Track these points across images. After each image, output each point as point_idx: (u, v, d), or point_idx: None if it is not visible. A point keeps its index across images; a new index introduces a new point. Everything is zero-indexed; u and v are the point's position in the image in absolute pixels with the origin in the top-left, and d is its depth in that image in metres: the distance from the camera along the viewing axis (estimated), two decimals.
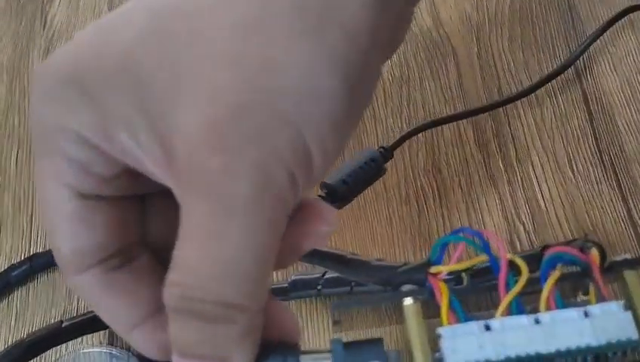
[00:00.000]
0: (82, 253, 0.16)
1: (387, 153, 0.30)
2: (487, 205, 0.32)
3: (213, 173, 0.14)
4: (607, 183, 0.32)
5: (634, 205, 0.31)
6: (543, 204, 0.32)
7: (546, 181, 0.32)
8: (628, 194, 0.31)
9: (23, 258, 0.32)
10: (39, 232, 0.33)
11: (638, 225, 0.31)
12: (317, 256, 0.26)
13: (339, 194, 0.28)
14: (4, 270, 0.31)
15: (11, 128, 0.36)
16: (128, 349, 0.30)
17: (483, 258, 0.21)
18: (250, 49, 0.15)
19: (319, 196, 0.29)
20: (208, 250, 0.15)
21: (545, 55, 0.35)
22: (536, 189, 0.32)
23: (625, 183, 0.32)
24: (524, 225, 0.31)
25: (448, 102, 0.34)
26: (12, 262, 0.32)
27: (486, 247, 0.21)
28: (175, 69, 0.15)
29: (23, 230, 0.33)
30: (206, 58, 0.15)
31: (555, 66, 0.34)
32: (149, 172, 0.16)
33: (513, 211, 0.32)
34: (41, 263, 0.31)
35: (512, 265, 0.21)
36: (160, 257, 0.18)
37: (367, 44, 0.15)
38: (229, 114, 0.14)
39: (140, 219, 0.18)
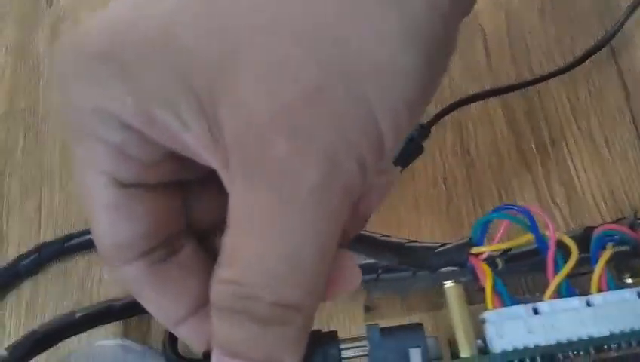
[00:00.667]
0: (123, 245, 0.15)
1: (424, 131, 0.29)
2: (519, 188, 0.30)
3: (278, 158, 0.13)
4: None
5: None
6: (579, 187, 0.30)
7: (582, 162, 0.30)
8: None
9: (32, 247, 0.30)
10: (48, 220, 0.31)
11: None
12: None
13: None
14: (13, 260, 0.30)
15: (17, 112, 0.34)
16: (144, 342, 0.29)
17: (528, 237, 0.20)
18: (322, 22, 0.13)
19: None
20: (267, 243, 0.13)
21: (578, 30, 0.33)
22: (572, 171, 0.30)
23: None
24: (559, 208, 0.29)
25: (476, 81, 0.33)
26: (20, 251, 0.30)
27: (533, 225, 0.20)
28: (227, 42, 0.13)
29: (31, 218, 0.32)
30: (270, 30, 0.13)
31: (588, 42, 0.33)
32: (193, 155, 0.14)
33: (547, 194, 0.30)
34: (51, 252, 0.30)
35: (559, 245, 0.20)
36: (205, 247, 0.17)
37: (449, 7, 0.13)
38: (301, 94, 0.13)
39: (183, 207, 0.16)
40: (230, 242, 0.14)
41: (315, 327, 0.16)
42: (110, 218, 0.15)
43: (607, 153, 0.30)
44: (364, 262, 0.25)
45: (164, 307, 0.16)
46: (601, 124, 0.31)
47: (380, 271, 0.26)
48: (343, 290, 0.16)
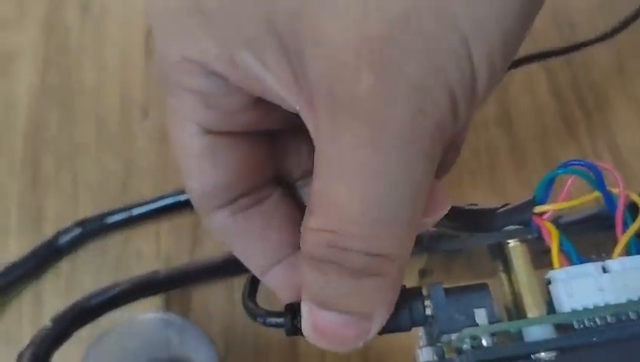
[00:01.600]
0: (212, 192, 0.16)
1: None
2: (565, 157, 0.30)
3: (365, 95, 0.12)
4: None
5: None
6: (625, 154, 0.29)
7: (630, 128, 0.30)
8: None
9: (68, 223, 0.30)
10: (85, 195, 0.31)
11: None
12: None
13: None
14: (52, 236, 0.30)
15: (49, 88, 0.34)
16: (185, 315, 0.28)
17: (596, 194, 0.19)
18: None
19: None
20: (358, 189, 0.13)
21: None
22: (618, 138, 0.30)
23: None
24: None
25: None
26: (58, 227, 0.30)
27: (600, 181, 0.19)
28: None
29: (68, 193, 0.31)
30: None
31: (629, 4, 0.32)
32: (278, 98, 0.14)
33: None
34: (92, 229, 0.30)
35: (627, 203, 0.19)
36: (292, 198, 0.17)
37: None
38: (387, 23, 0.12)
39: (270, 156, 0.17)
40: (319, 189, 0.13)
41: None
42: (200, 166, 0.15)
43: None
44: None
45: (250, 255, 0.16)
46: None
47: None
48: (431, 218, 0.15)
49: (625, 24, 0.31)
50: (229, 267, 0.28)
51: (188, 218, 0.30)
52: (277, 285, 0.17)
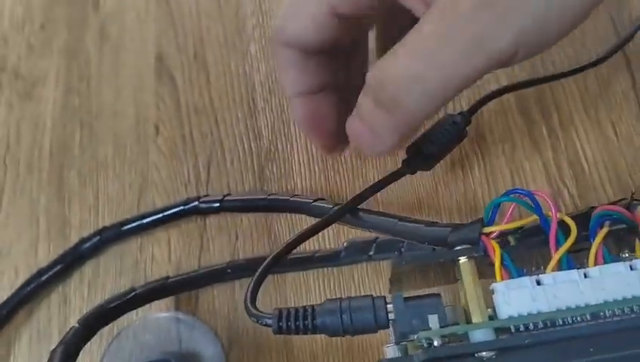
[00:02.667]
0: (300, 33, 0.24)
1: (466, 117, 0.31)
2: (530, 170, 0.33)
3: None
4: None
5: None
6: (586, 168, 0.32)
7: (590, 145, 0.33)
8: None
9: (91, 231, 0.34)
10: (106, 206, 0.35)
11: None
12: (369, 220, 0.27)
13: (427, 156, 0.29)
14: (76, 243, 0.34)
15: (72, 110, 0.38)
16: (193, 314, 0.32)
17: (534, 217, 0.23)
18: None
19: (408, 158, 0.29)
20: (416, 53, 0.21)
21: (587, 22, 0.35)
22: (580, 153, 0.33)
23: None
24: (567, 188, 0.32)
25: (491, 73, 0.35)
26: (82, 235, 0.34)
27: (537, 207, 0.22)
28: None
29: (90, 205, 0.35)
30: None
31: (598, 33, 0.35)
32: None
33: (557, 175, 0.32)
34: (110, 236, 0.33)
35: (561, 224, 0.22)
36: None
37: None
38: None
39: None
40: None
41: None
42: (308, 19, 0.24)
43: (613, 136, 0.33)
44: (382, 239, 0.28)
45: (290, 78, 0.26)
46: (607, 109, 0.33)
47: (402, 248, 0.29)
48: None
49: (593, 63, 0.34)
50: (232, 272, 0.32)
51: (195, 225, 0.34)
52: (296, 108, 0.26)
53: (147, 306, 0.32)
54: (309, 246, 0.32)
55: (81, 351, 0.31)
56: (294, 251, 0.32)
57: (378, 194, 0.33)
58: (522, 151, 0.33)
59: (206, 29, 0.38)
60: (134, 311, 0.31)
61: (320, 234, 0.32)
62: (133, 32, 0.39)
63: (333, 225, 0.30)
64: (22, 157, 0.37)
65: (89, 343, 0.31)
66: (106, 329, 0.31)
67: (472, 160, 0.33)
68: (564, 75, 0.34)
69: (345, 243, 0.31)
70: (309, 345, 0.31)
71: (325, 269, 0.32)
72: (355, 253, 0.31)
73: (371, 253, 0.30)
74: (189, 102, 0.37)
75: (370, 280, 0.32)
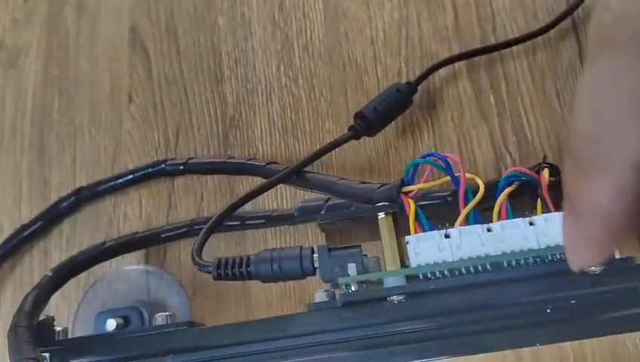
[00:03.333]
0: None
1: (412, 86, 0.33)
2: (477, 137, 0.35)
3: None
4: None
5: None
6: (529, 135, 0.34)
7: (534, 113, 0.34)
8: None
9: (69, 191, 0.37)
10: (82, 168, 0.38)
11: None
12: (312, 181, 0.29)
13: (371, 122, 0.31)
14: (55, 202, 0.37)
15: (51, 79, 0.40)
16: (161, 266, 0.35)
17: (447, 178, 0.25)
18: None
19: (353, 125, 0.31)
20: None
21: None
22: (524, 121, 0.34)
23: None
24: (510, 154, 0.34)
25: (444, 42, 0.37)
26: (60, 195, 0.37)
27: (449, 168, 0.24)
28: None
29: (68, 167, 0.38)
30: None
31: (549, 3, 0.36)
32: None
33: (501, 142, 0.34)
34: (86, 195, 0.36)
35: (474, 185, 0.25)
36: None
37: None
38: None
39: None
40: None
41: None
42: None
43: (557, 105, 0.35)
44: (332, 202, 0.31)
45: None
46: (553, 78, 0.35)
47: (351, 208, 0.31)
48: None
49: (544, 29, 0.35)
50: (197, 228, 0.35)
51: (164, 185, 0.37)
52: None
53: (120, 259, 0.35)
54: (268, 205, 0.35)
55: (61, 300, 0.34)
56: (255, 211, 0.35)
57: (333, 158, 0.35)
58: (470, 119, 0.35)
59: (177, 2, 0.41)
60: (108, 264, 0.34)
61: (278, 194, 0.35)
62: (109, 4, 0.41)
63: (289, 187, 0.33)
64: (6, 123, 0.40)
65: (67, 292, 0.35)
66: (82, 280, 0.34)
67: (422, 126, 0.35)
68: (514, 42, 0.35)
69: (299, 204, 0.34)
70: (264, 293, 0.34)
71: (282, 227, 0.35)
72: (308, 213, 0.33)
73: (322, 212, 0.33)
74: (160, 72, 0.39)
75: (322, 237, 0.34)
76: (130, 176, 0.36)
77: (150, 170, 0.35)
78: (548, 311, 0.22)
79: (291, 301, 0.33)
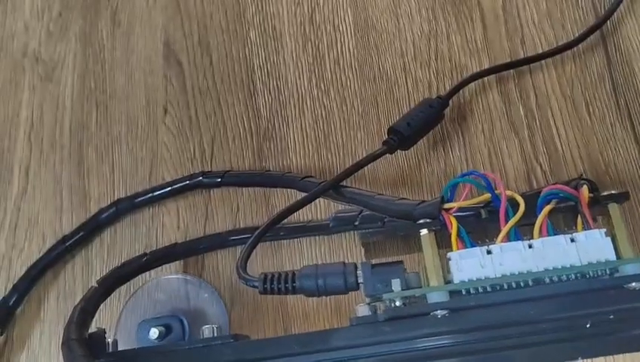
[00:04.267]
0: None
1: (444, 101, 0.34)
2: (507, 149, 0.35)
3: None
4: (622, 125, 0.34)
5: None
6: (559, 146, 0.35)
7: (564, 124, 0.35)
8: None
9: (108, 202, 0.38)
10: (121, 179, 0.39)
11: None
12: (349, 195, 0.30)
13: (405, 137, 0.32)
14: (95, 213, 0.38)
15: (89, 91, 0.41)
16: (200, 276, 0.36)
17: (487, 196, 0.25)
18: None
19: (387, 139, 0.32)
20: None
21: (568, 3, 0.37)
22: (554, 132, 0.35)
23: (639, 125, 0.34)
24: (541, 165, 0.35)
25: (473, 55, 0.37)
26: (100, 206, 0.38)
27: (489, 186, 0.25)
28: None
29: (107, 178, 0.39)
30: None
31: (578, 15, 0.37)
32: None
33: (532, 153, 0.35)
34: (125, 207, 0.37)
35: (513, 202, 0.25)
36: None
37: None
38: None
39: None
40: None
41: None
42: None
43: (586, 116, 0.35)
44: (366, 213, 0.32)
45: None
46: (582, 89, 0.36)
47: (385, 219, 0.32)
48: None
49: (572, 43, 0.36)
50: (234, 239, 0.36)
51: (200, 197, 0.38)
52: None
53: (159, 269, 0.36)
54: (304, 216, 0.36)
55: (103, 308, 0.35)
56: (290, 221, 0.35)
57: (365, 171, 0.36)
58: (500, 132, 0.36)
59: (209, 15, 0.41)
60: (147, 273, 0.35)
61: (313, 206, 0.36)
62: (143, 19, 0.42)
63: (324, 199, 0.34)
64: (45, 136, 0.41)
65: (109, 300, 0.36)
66: (123, 289, 0.35)
67: (453, 139, 0.36)
68: (542, 56, 0.36)
69: (333, 215, 0.35)
70: (301, 304, 0.35)
71: (317, 237, 0.35)
72: (343, 223, 0.34)
73: (357, 223, 0.34)
74: (194, 84, 0.40)
75: (357, 246, 0.35)
76: (169, 189, 0.37)
77: (188, 182, 0.36)
78: (587, 326, 0.23)
79: (327, 311, 0.34)
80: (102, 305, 0.35)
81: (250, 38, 0.41)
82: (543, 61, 0.36)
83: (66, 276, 0.37)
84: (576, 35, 0.36)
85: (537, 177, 0.34)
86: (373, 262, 0.25)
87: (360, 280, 0.25)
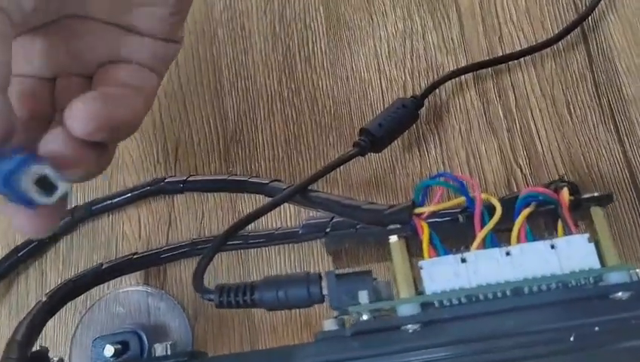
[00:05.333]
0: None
1: (418, 101, 0.32)
2: (485, 151, 0.34)
3: None
4: (605, 126, 0.33)
5: (630, 146, 0.32)
6: (540, 148, 0.33)
7: (544, 125, 0.33)
8: (624, 135, 0.33)
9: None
10: (78, 185, 0.36)
11: (633, 165, 0.32)
12: (316, 201, 0.28)
13: (377, 138, 0.30)
14: None
15: None
16: (162, 287, 0.34)
17: (461, 199, 0.24)
18: None
19: (358, 141, 0.31)
20: None
21: (547, 0, 0.36)
22: (534, 133, 0.34)
23: (622, 125, 0.33)
24: (521, 168, 0.33)
25: (450, 53, 0.36)
26: None
27: (463, 189, 0.23)
28: None
29: None
30: None
31: (557, 13, 0.35)
32: None
33: (511, 156, 0.33)
34: (82, 214, 0.35)
35: (490, 206, 0.23)
36: None
37: None
38: None
39: None
40: None
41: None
42: None
43: (567, 116, 0.34)
44: (338, 219, 0.30)
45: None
46: (563, 88, 0.34)
47: (358, 226, 0.30)
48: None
49: (552, 40, 0.34)
50: (197, 248, 0.34)
51: (163, 203, 0.35)
52: None
53: (119, 280, 0.33)
54: (272, 223, 0.34)
55: (57, 323, 0.33)
56: (257, 228, 0.33)
57: (338, 175, 0.34)
58: (478, 133, 0.34)
59: None
60: (105, 285, 0.33)
61: (282, 212, 0.34)
62: None
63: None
64: None
65: (64, 314, 0.33)
66: (79, 302, 0.33)
67: (429, 141, 0.34)
68: (521, 54, 0.35)
69: (304, 222, 0.33)
70: (269, 317, 0.32)
71: (287, 245, 0.33)
72: (313, 230, 0.32)
73: (328, 230, 0.32)
74: None
75: (328, 255, 0.33)
76: (129, 195, 0.34)
77: (149, 188, 0.34)
78: (571, 339, 0.21)
79: (297, 325, 0.32)
80: (56, 320, 0.33)
81: (217, 36, 0.39)
82: (522, 59, 0.35)
83: (19, 288, 0.35)
84: (556, 32, 0.35)
85: (517, 180, 0.33)
86: (339, 271, 0.23)
87: (324, 291, 0.23)
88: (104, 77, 0.24)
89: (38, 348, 0.26)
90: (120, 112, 0.22)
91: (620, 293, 0.21)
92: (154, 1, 0.24)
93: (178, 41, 0.26)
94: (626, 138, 0.33)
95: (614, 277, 0.22)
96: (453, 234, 0.25)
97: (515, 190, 0.33)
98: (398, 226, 0.24)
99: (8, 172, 0.20)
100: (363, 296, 0.23)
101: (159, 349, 0.25)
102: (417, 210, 0.24)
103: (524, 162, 0.33)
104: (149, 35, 0.25)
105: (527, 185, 0.33)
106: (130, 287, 0.34)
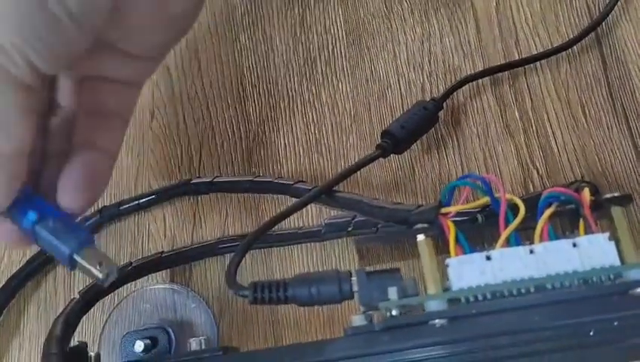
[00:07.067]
0: None
1: (438, 103, 0.33)
2: (502, 152, 0.35)
3: None
4: (618, 128, 0.34)
5: None
6: (555, 149, 0.34)
7: (560, 127, 0.34)
8: (637, 137, 0.33)
9: (92, 210, 0.37)
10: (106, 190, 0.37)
11: None
12: (342, 201, 0.29)
13: (399, 140, 0.31)
14: (78, 221, 0.36)
15: None
16: (187, 285, 0.35)
17: (486, 199, 0.25)
18: None
19: (381, 144, 0.31)
20: None
21: (562, 5, 0.37)
22: (550, 135, 0.34)
23: (635, 127, 0.34)
24: (537, 169, 0.34)
25: (467, 57, 0.37)
26: (84, 214, 0.36)
27: (488, 190, 0.24)
28: None
29: None
30: None
31: (572, 18, 0.36)
32: None
33: (527, 157, 0.34)
34: (109, 214, 0.36)
35: (513, 205, 0.24)
36: None
37: None
38: None
39: None
40: None
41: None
42: None
43: (582, 118, 0.34)
44: (360, 218, 0.31)
45: None
46: (578, 91, 0.35)
47: (379, 225, 0.31)
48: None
49: (566, 45, 0.35)
50: (222, 247, 0.35)
51: (188, 203, 0.36)
52: None
53: (145, 278, 0.34)
54: (294, 223, 0.35)
55: (85, 320, 0.34)
56: (281, 228, 0.34)
57: (358, 175, 0.35)
58: (495, 135, 0.35)
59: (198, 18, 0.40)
60: (133, 283, 0.34)
61: (304, 212, 0.35)
62: None
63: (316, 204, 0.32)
64: None
65: (92, 312, 0.34)
66: (107, 300, 0.34)
67: (447, 143, 0.35)
68: (536, 58, 0.35)
69: (326, 221, 0.33)
70: (293, 313, 0.33)
71: (309, 244, 0.34)
72: (335, 229, 0.33)
73: (350, 229, 0.33)
74: (182, 89, 0.39)
75: (349, 253, 0.34)
76: (155, 195, 0.35)
77: (175, 188, 0.35)
78: (591, 333, 0.22)
79: (320, 321, 0.33)
80: (84, 317, 0.34)
81: (239, 41, 0.40)
82: (537, 63, 0.36)
83: (47, 287, 0.36)
84: (571, 36, 0.36)
85: (534, 181, 0.34)
86: (368, 269, 0.24)
87: (355, 288, 0.24)
88: (90, 107, 0.25)
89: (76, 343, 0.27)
90: (106, 180, 0.26)
91: (638, 289, 0.22)
92: (154, 29, 0.24)
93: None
94: (638, 139, 0.33)
95: (633, 274, 0.23)
96: (471, 234, 0.26)
97: (532, 190, 0.33)
98: (425, 225, 0.24)
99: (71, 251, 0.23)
100: (392, 293, 0.24)
101: (194, 344, 0.26)
102: (444, 210, 0.25)
103: (541, 163, 0.34)
104: (138, 57, 0.25)
105: (544, 186, 0.33)
106: (156, 285, 0.35)
